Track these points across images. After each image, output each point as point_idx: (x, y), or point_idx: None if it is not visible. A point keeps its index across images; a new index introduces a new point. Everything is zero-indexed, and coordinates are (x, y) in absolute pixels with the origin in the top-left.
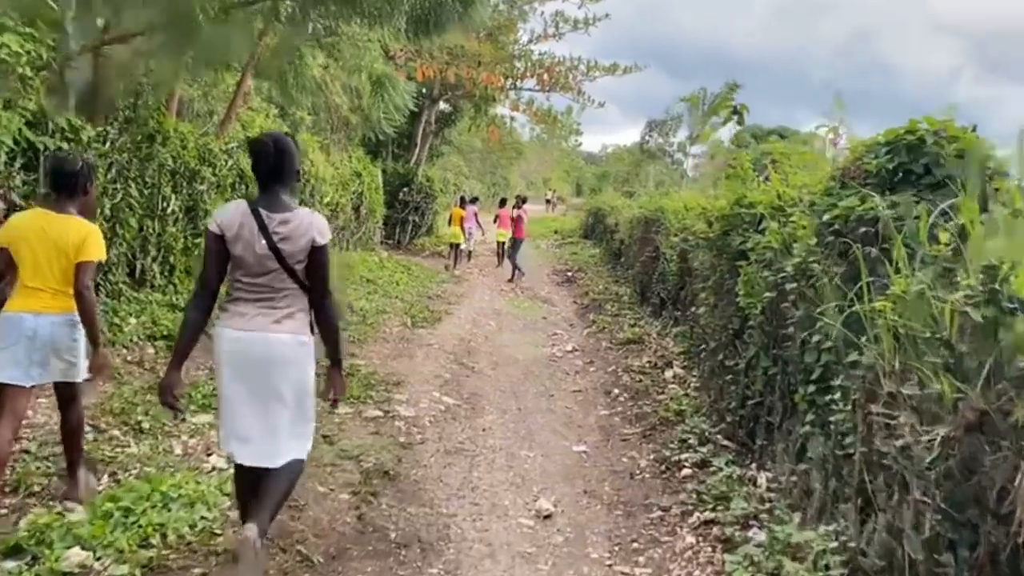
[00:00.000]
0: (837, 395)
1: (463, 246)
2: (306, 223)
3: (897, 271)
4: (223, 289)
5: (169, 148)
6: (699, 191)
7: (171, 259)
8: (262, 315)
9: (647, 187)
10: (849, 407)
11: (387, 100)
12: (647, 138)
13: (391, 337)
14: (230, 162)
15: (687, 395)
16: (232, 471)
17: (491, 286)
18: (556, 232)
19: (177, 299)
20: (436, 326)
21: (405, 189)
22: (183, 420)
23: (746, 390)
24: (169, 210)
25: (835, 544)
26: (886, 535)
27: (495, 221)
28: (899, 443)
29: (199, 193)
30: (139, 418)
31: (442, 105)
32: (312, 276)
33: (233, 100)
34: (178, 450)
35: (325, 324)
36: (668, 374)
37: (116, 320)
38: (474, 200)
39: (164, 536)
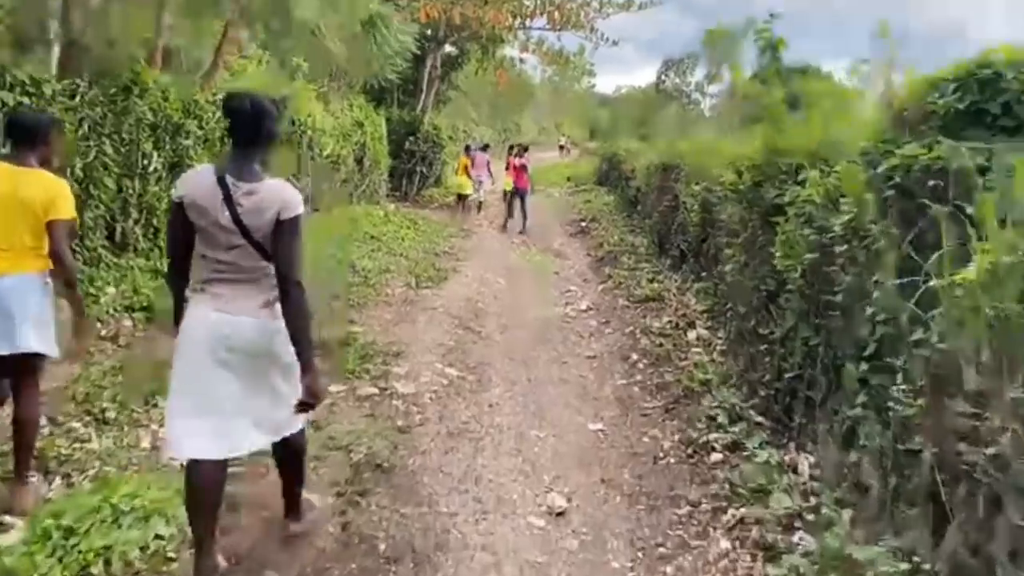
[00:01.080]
0: (898, 378)
1: (472, 197)
2: (272, 195)
3: (981, 237)
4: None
5: (148, 101)
6: (720, 134)
7: (155, 221)
8: (242, 296)
9: (664, 130)
10: (914, 395)
11: (381, 42)
12: (663, 78)
13: (394, 299)
14: (218, 114)
15: (712, 360)
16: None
17: (501, 240)
18: (569, 179)
19: (162, 264)
20: (442, 286)
21: (411, 138)
22: (154, 405)
23: (783, 361)
24: (151, 168)
25: (907, 566)
26: (971, 559)
27: (507, 169)
28: (990, 451)
29: (184, 149)
30: (104, 405)
31: (448, 48)
32: (277, 254)
33: (219, 48)
34: (145, 443)
35: (292, 317)
36: (691, 335)
37: (92, 290)
38: (485, 148)
39: (108, 563)
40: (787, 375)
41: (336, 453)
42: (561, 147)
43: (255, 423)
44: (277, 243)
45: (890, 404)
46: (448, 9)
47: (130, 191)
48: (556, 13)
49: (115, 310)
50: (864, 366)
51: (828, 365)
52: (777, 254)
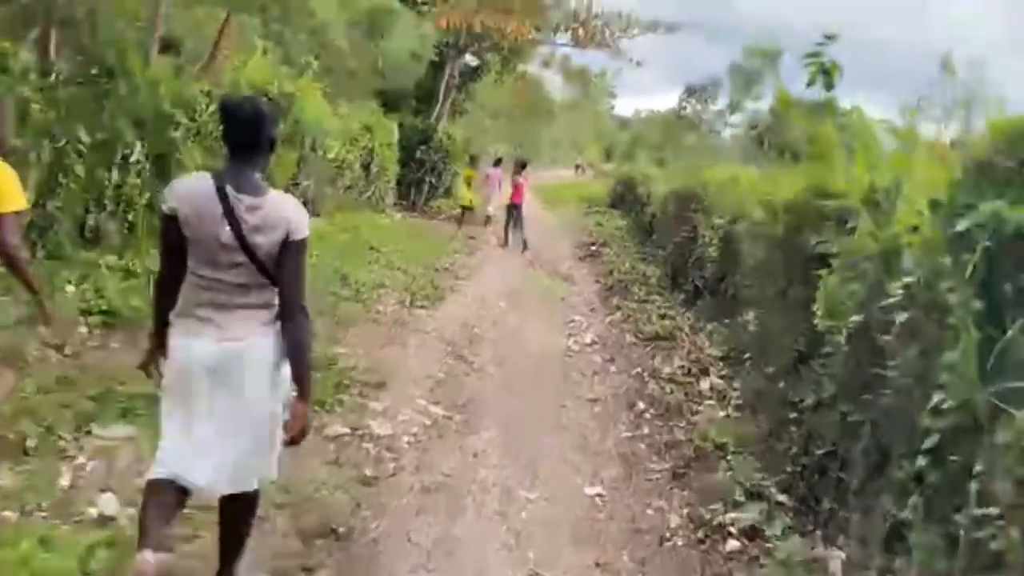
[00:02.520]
0: (972, 486)
1: (488, 211)
2: (281, 211)
3: None
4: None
5: (133, 86)
6: (742, 164)
7: (131, 216)
8: (235, 319)
9: (683, 156)
10: (997, 511)
11: (395, 42)
12: (684, 104)
13: (384, 318)
14: (212, 107)
15: (728, 417)
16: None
17: (506, 258)
18: (583, 199)
19: (136, 264)
20: (438, 306)
21: (423, 147)
22: (87, 433)
23: (813, 433)
24: (133, 158)
25: None
26: None
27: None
28: None
29: (172, 141)
30: (27, 430)
31: (467, 58)
32: (283, 278)
33: (219, 37)
34: (65, 480)
35: (294, 342)
36: (704, 384)
37: (48, 288)
38: (498, 162)
39: None
40: (818, 451)
41: (287, 511)
42: (577, 166)
43: (219, 466)
44: (284, 265)
45: (958, 519)
46: (469, 17)
47: (106, 182)
48: (581, 30)
49: (71, 312)
50: (921, 461)
51: (871, 448)
52: (817, 311)
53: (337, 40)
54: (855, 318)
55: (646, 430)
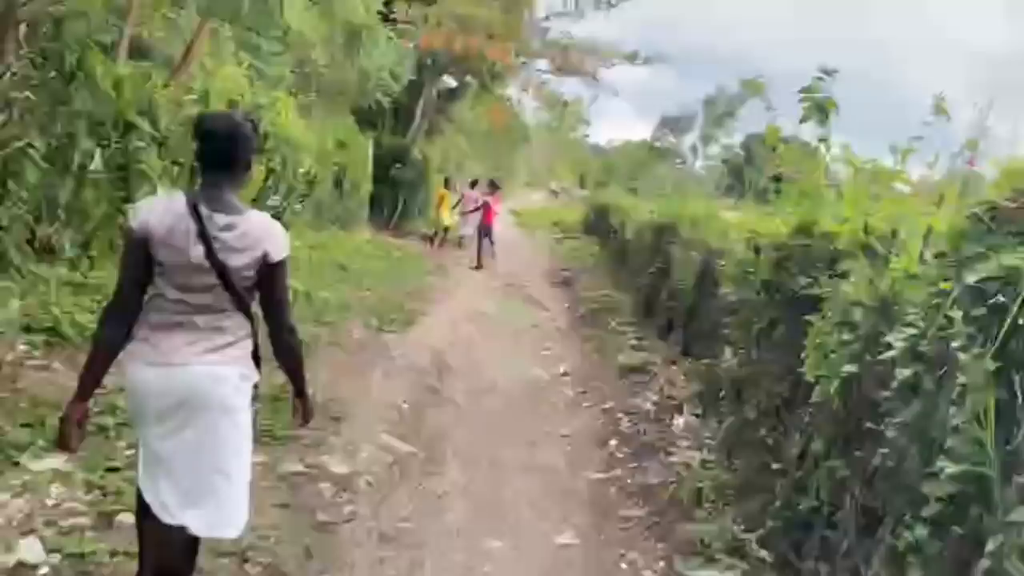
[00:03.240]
0: (981, 565)
1: (463, 232)
2: (257, 232)
3: None
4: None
5: (94, 91)
6: (715, 196)
7: (87, 227)
8: (196, 342)
9: (659, 189)
10: None
11: (369, 57)
12: (658, 135)
13: (349, 343)
14: (179, 115)
15: (704, 463)
16: None
17: (479, 281)
18: (557, 224)
19: (88, 279)
20: (407, 330)
21: (398, 166)
22: (15, 464)
23: (797, 486)
24: (91, 167)
25: None
26: None
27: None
28: None
29: (135, 151)
30: None
31: (446, 79)
32: (267, 301)
33: (191, 45)
34: None
35: (287, 359)
36: (679, 422)
37: None
38: (474, 183)
39: None
40: (802, 506)
41: (231, 560)
42: (553, 191)
43: (192, 500)
44: (268, 288)
45: None
46: (452, 39)
47: (60, 191)
48: (560, 57)
49: (9, 328)
50: (921, 530)
51: (862, 508)
52: (807, 360)
53: (313, 54)
54: (848, 368)
55: (619, 471)
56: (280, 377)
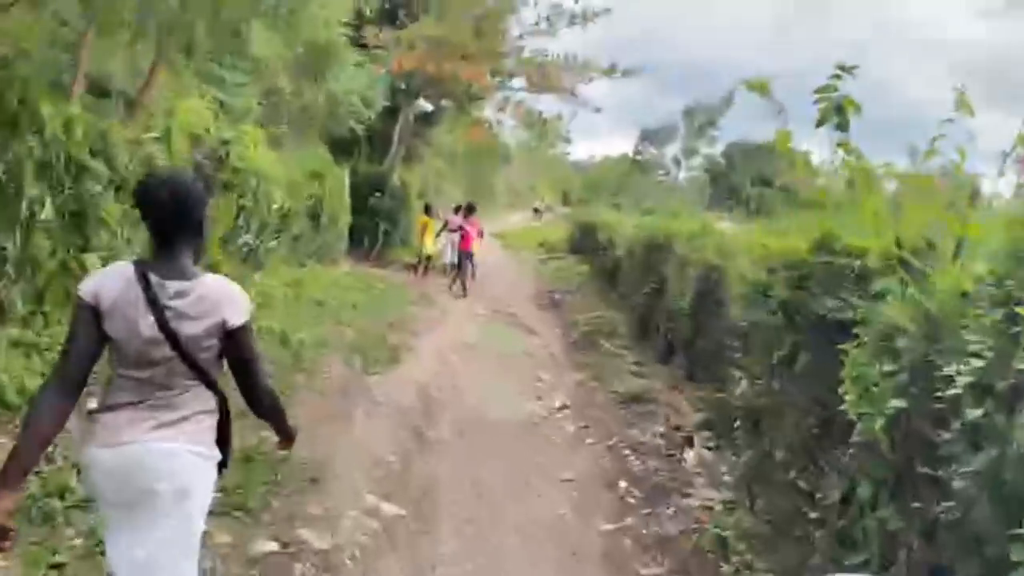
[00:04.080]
0: None
1: (445, 260)
2: (214, 296)
3: None
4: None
5: (40, 134)
6: (698, 207)
7: (38, 281)
8: (145, 420)
9: (643, 202)
10: None
11: (337, 80)
12: (640, 148)
13: (329, 387)
14: (138, 155)
15: (725, 503)
16: None
17: (464, 309)
18: (542, 244)
19: (42, 338)
20: (391, 368)
21: (377, 194)
22: None
23: (839, 536)
24: (42, 216)
25: None
26: None
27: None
28: None
29: (90, 196)
30: None
31: (421, 102)
32: (235, 367)
33: (149, 79)
34: None
35: (270, 420)
36: (690, 457)
37: None
38: (457, 209)
39: None
40: (846, 560)
41: None
42: (536, 210)
43: None
44: (234, 354)
45: None
46: (425, 61)
47: (8, 245)
48: (536, 75)
49: None
50: None
51: (920, 566)
52: (846, 395)
53: (280, 83)
54: (895, 403)
55: (631, 520)
56: (252, 437)
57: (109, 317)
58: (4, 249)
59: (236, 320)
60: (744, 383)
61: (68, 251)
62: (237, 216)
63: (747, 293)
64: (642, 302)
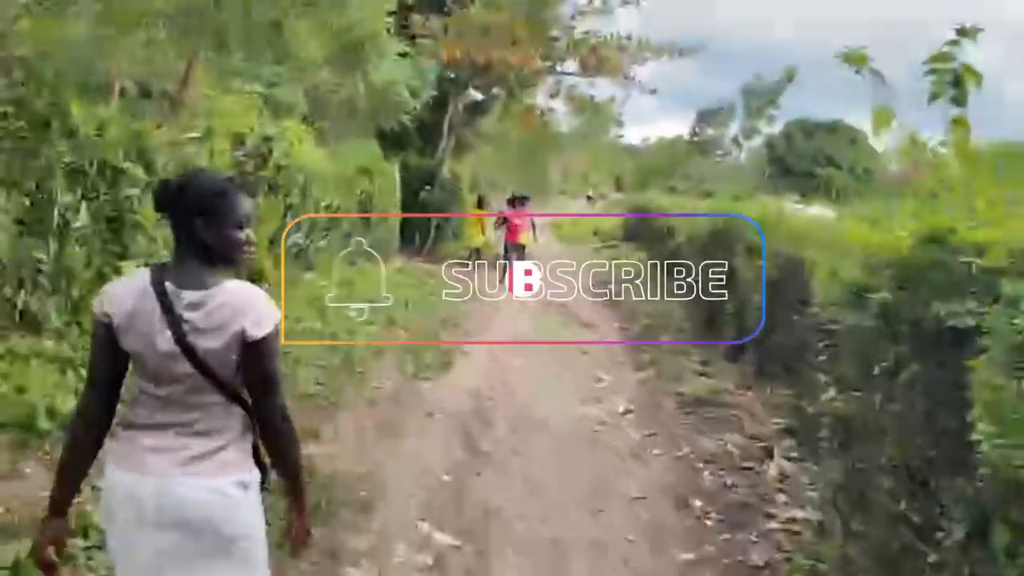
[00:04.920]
0: None
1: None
2: (233, 305)
3: None
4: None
5: (74, 139)
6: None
7: (75, 292)
8: (177, 450)
9: (702, 185)
10: None
11: (377, 71)
12: (697, 129)
13: (380, 395)
14: (176, 156)
15: (816, 527)
16: None
17: (518, 304)
18: (595, 233)
19: (77, 353)
20: (444, 372)
21: (428, 188)
22: None
23: None
24: (76, 224)
25: None
26: None
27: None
28: None
29: (127, 200)
30: None
31: (472, 92)
32: (249, 384)
33: (185, 78)
34: None
35: (278, 450)
36: (770, 470)
37: None
38: (511, 201)
39: None
40: None
41: None
42: (588, 198)
43: None
44: (249, 369)
45: None
46: (472, 49)
47: (42, 256)
48: (590, 57)
49: None
50: None
51: None
52: (977, 421)
53: (324, 75)
54: None
55: (710, 547)
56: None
57: (125, 332)
58: (39, 261)
59: (256, 332)
60: (832, 390)
61: (104, 259)
62: (284, 215)
63: (840, 293)
64: (708, 294)
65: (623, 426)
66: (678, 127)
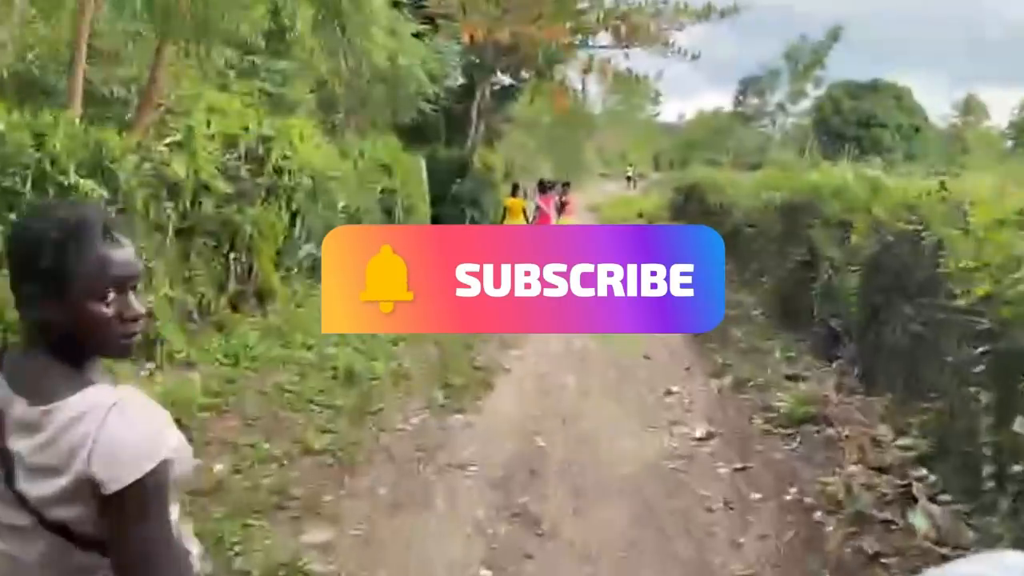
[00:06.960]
0: None
1: None
2: (72, 437)
3: None
4: None
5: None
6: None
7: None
8: None
9: (745, 157)
10: None
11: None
12: (740, 98)
13: (402, 441)
14: (143, 169)
15: None
16: None
17: None
18: (641, 215)
19: None
20: (481, 401)
21: (459, 180)
22: None
23: None
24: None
25: None
26: None
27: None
28: None
29: None
30: None
31: (499, 76)
32: (117, 569)
33: (153, 75)
34: None
35: None
36: (917, 523)
37: None
38: (542, 186)
39: None
40: None
41: None
42: (628, 178)
43: None
44: (111, 543)
45: None
46: (494, 28)
47: None
48: (623, 26)
49: None
50: None
51: None
52: None
53: (329, 64)
54: None
55: None
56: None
57: None
58: None
59: (113, 481)
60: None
61: None
62: (291, 223)
63: (1003, 290)
64: (782, 278)
65: (706, 458)
66: (717, 99)
